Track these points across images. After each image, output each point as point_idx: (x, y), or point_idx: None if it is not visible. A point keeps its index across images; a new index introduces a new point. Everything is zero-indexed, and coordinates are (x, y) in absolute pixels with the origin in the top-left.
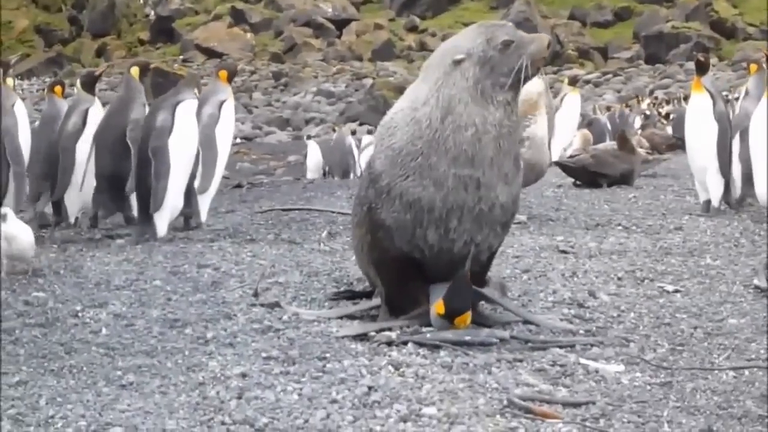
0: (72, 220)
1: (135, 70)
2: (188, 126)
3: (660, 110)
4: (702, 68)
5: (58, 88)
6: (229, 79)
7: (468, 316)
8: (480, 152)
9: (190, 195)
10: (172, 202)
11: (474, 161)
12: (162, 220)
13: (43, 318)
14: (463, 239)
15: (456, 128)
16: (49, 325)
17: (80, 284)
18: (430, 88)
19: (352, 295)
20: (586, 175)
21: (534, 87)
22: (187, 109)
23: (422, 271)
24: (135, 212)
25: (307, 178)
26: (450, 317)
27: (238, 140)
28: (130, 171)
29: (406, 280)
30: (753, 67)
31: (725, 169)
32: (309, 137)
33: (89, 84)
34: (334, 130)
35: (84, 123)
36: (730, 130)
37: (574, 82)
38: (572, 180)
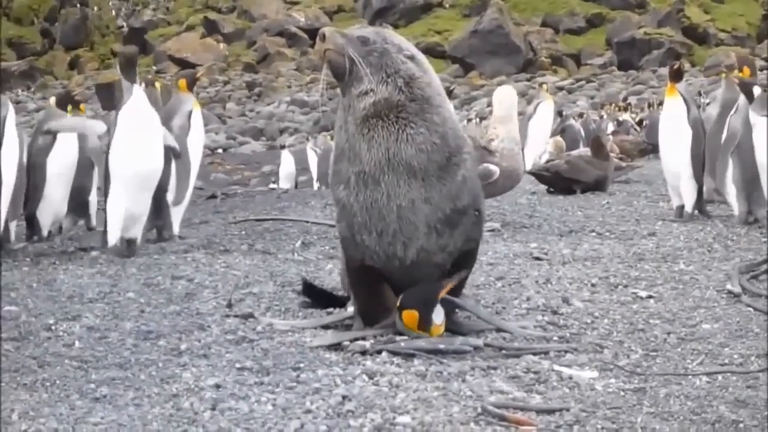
0: (45, 233)
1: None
2: (131, 125)
3: (620, 118)
4: (676, 76)
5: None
6: (190, 87)
7: (414, 316)
8: (355, 146)
9: (162, 206)
10: (120, 211)
11: (357, 156)
12: (112, 227)
13: (16, 332)
14: (400, 241)
15: (338, 130)
16: (21, 339)
17: (53, 297)
18: None
19: (318, 294)
20: (560, 181)
21: (504, 96)
22: (122, 117)
23: (385, 278)
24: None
25: (279, 188)
26: (399, 311)
27: (220, 150)
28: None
29: (373, 288)
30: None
31: (699, 174)
32: (283, 147)
33: (63, 102)
34: (307, 140)
35: (54, 138)
36: (704, 136)
37: (547, 91)
38: (545, 187)
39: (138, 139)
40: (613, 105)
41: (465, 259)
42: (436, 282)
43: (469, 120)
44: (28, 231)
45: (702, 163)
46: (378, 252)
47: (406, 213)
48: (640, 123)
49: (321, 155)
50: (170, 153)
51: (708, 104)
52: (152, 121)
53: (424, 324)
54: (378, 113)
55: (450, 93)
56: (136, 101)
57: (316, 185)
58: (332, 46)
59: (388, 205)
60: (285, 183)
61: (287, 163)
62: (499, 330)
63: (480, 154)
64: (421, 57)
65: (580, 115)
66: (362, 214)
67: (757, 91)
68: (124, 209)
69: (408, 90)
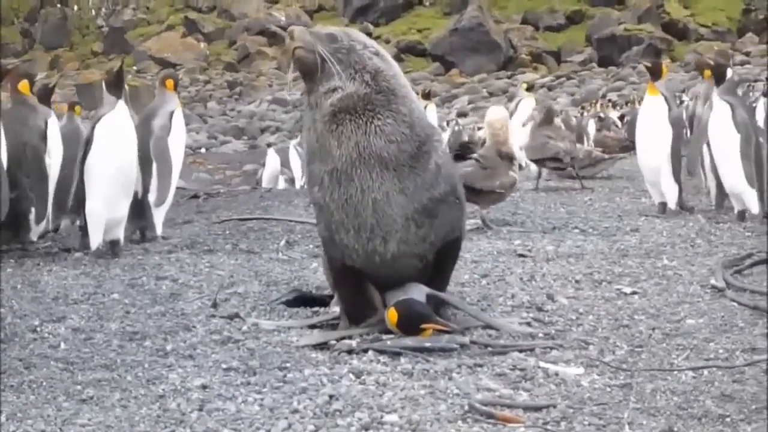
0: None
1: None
2: (107, 138)
3: (601, 114)
4: (655, 73)
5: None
6: (175, 87)
7: (394, 314)
8: (325, 145)
9: (144, 207)
10: (101, 213)
11: (327, 154)
12: (94, 232)
13: (1, 333)
14: (379, 236)
15: (306, 131)
16: (7, 341)
17: (38, 299)
18: None
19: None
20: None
21: (494, 117)
22: (106, 121)
23: (367, 277)
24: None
25: (262, 187)
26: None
27: (203, 150)
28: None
29: (356, 287)
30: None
31: (677, 173)
32: (269, 145)
33: (46, 96)
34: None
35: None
36: (685, 135)
37: (531, 88)
38: (528, 186)
39: (115, 150)
40: (597, 101)
41: (449, 250)
42: (431, 309)
43: (448, 123)
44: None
45: (680, 161)
46: (357, 250)
47: (382, 206)
48: (621, 118)
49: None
50: (150, 155)
51: (691, 100)
52: (129, 133)
53: (406, 331)
54: (346, 108)
55: (428, 94)
56: (116, 114)
57: (299, 184)
58: (301, 43)
59: (363, 200)
60: (268, 182)
61: (272, 162)
62: (486, 327)
63: (505, 163)
64: (385, 53)
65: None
66: (339, 212)
67: (729, 74)
68: (104, 216)
69: (374, 83)
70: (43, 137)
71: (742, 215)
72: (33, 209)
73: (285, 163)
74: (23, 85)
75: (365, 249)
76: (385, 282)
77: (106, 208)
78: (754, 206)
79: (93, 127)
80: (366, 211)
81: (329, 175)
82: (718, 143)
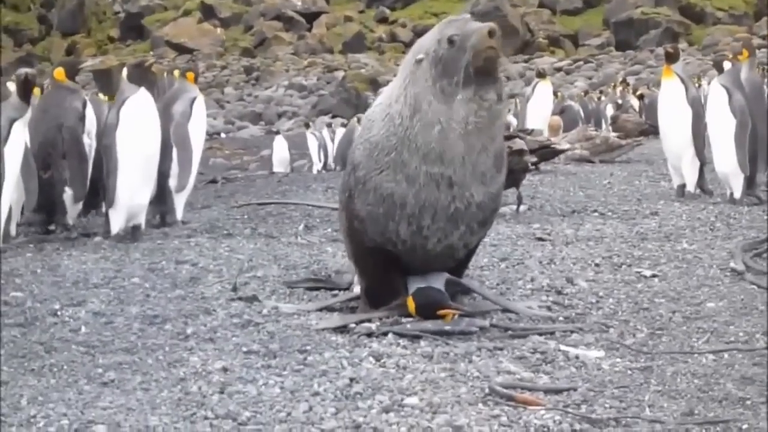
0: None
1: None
2: (134, 122)
3: (619, 101)
4: (671, 57)
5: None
6: (196, 81)
7: (411, 304)
8: (449, 150)
9: (165, 192)
10: (125, 199)
11: (443, 159)
12: (116, 217)
13: (22, 317)
14: (437, 237)
15: (423, 126)
16: (28, 325)
17: (58, 283)
18: (401, 86)
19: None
20: None
21: None
22: (130, 105)
23: (398, 262)
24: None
25: (275, 172)
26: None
27: (223, 135)
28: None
29: (383, 271)
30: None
31: (701, 153)
32: (277, 132)
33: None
34: (307, 126)
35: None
36: (704, 115)
37: (541, 75)
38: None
39: (144, 132)
40: (615, 86)
41: (474, 247)
42: (446, 294)
43: None
44: (47, 217)
45: (703, 141)
46: (406, 242)
47: (458, 214)
48: (640, 98)
49: (344, 136)
50: (170, 141)
51: (708, 84)
52: (153, 119)
53: (425, 317)
54: (486, 121)
55: None
56: (140, 97)
57: (316, 168)
58: (497, 46)
59: (448, 206)
60: (278, 167)
61: (280, 148)
62: (505, 310)
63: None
64: None
65: (585, 93)
66: (413, 208)
67: (727, 65)
68: (127, 202)
69: (503, 94)
70: (81, 118)
71: (734, 198)
72: (68, 190)
73: (298, 148)
74: (58, 72)
75: (414, 244)
76: (414, 270)
77: (130, 194)
78: (737, 190)
79: (118, 112)
80: (441, 214)
81: (429, 175)
82: (714, 127)
